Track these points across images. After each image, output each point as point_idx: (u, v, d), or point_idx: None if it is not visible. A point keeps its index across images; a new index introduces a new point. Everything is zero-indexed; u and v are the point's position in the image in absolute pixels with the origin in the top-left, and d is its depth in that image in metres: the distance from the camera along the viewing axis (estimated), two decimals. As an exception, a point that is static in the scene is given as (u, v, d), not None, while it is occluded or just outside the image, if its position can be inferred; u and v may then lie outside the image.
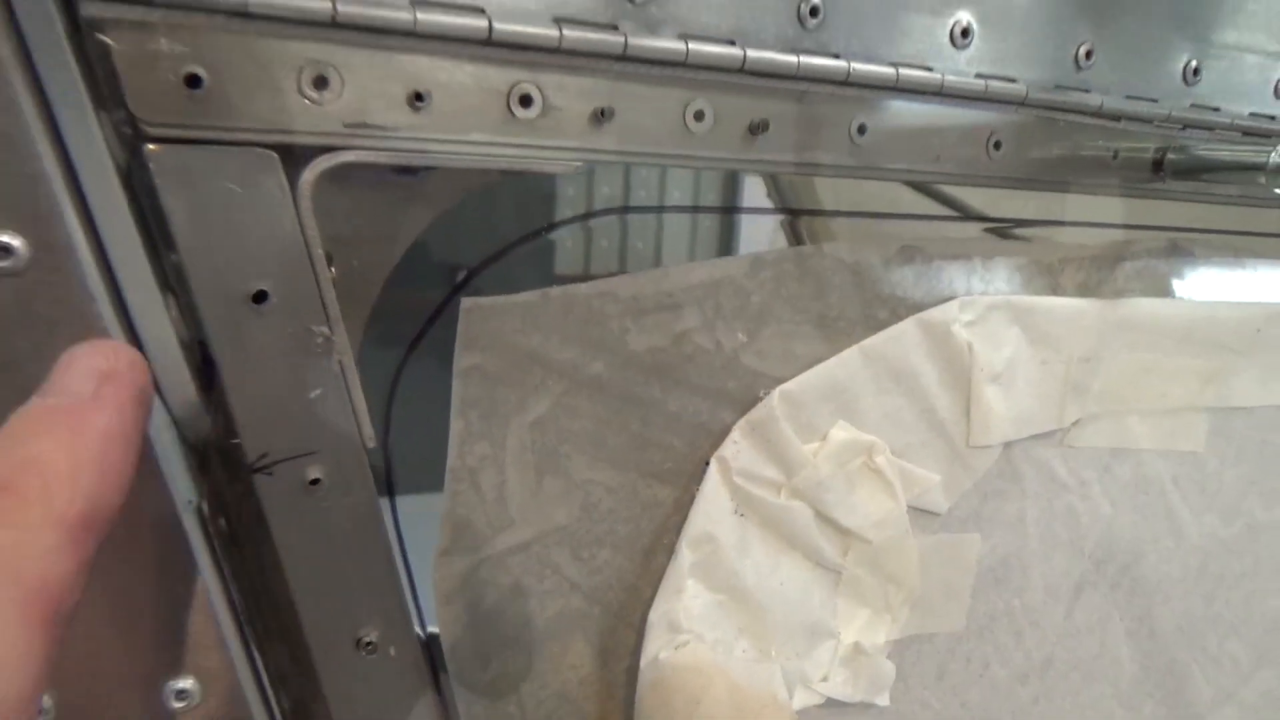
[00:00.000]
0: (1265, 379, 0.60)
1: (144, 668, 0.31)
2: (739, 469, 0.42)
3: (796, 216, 0.65)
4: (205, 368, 0.32)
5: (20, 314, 0.27)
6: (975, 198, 0.60)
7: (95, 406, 0.24)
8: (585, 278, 0.39)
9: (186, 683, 0.32)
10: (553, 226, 0.58)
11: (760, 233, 0.67)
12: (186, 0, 0.28)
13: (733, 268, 0.42)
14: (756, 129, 0.40)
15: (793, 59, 0.39)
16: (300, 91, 0.31)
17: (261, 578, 0.36)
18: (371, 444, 0.35)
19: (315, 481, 0.34)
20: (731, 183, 0.81)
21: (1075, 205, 0.56)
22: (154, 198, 0.29)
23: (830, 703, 0.47)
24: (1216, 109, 0.54)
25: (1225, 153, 0.52)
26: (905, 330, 0.46)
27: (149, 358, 0.30)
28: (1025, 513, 0.53)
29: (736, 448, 0.42)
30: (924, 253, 0.47)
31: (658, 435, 0.42)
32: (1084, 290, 0.53)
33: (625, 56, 0.35)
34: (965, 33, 0.44)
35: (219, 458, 0.34)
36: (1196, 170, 0.53)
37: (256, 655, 0.35)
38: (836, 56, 0.40)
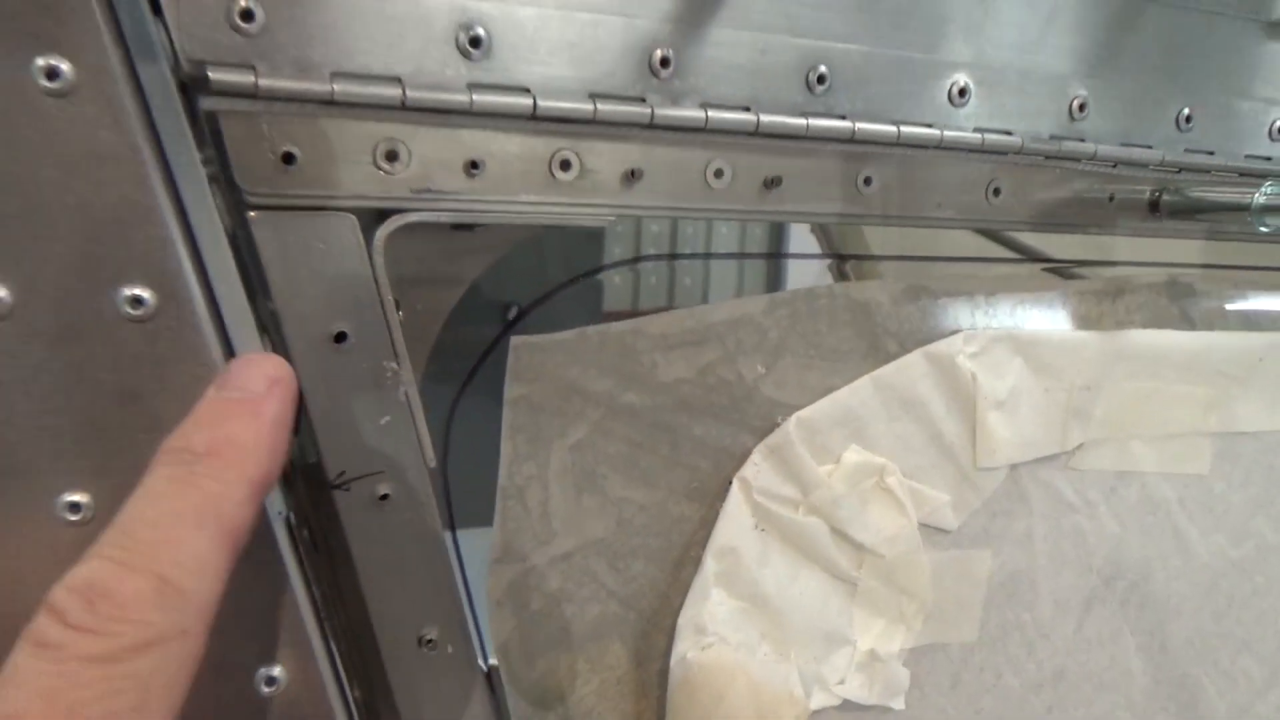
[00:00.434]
0: (1270, 405, 0.63)
1: (239, 656, 0.37)
2: (759, 488, 0.46)
3: (844, 260, 0.71)
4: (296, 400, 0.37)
5: (148, 354, 0.33)
6: (1031, 238, 0.65)
7: (269, 400, 0.31)
8: (634, 314, 0.44)
9: (275, 670, 0.37)
10: (597, 270, 0.63)
11: (808, 276, 0.71)
12: (284, 93, 0.33)
13: (751, 307, 0.46)
14: (770, 184, 0.45)
15: (802, 121, 0.44)
16: (375, 164, 0.36)
17: (338, 581, 0.41)
18: (432, 464, 0.40)
19: (385, 497, 0.39)
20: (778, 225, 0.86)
21: (1126, 245, 0.61)
22: (255, 255, 0.35)
23: (848, 705, 0.51)
24: (1211, 152, 0.58)
25: (1216, 194, 0.56)
26: (913, 361, 0.50)
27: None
28: (1033, 531, 0.57)
29: (757, 469, 0.47)
30: (929, 290, 0.52)
31: (685, 458, 0.46)
32: (1086, 323, 0.57)
33: (652, 125, 0.41)
34: (963, 92, 0.48)
35: (304, 476, 0.39)
36: (1191, 210, 0.57)
37: (334, 649, 0.40)
38: (842, 118, 0.45)
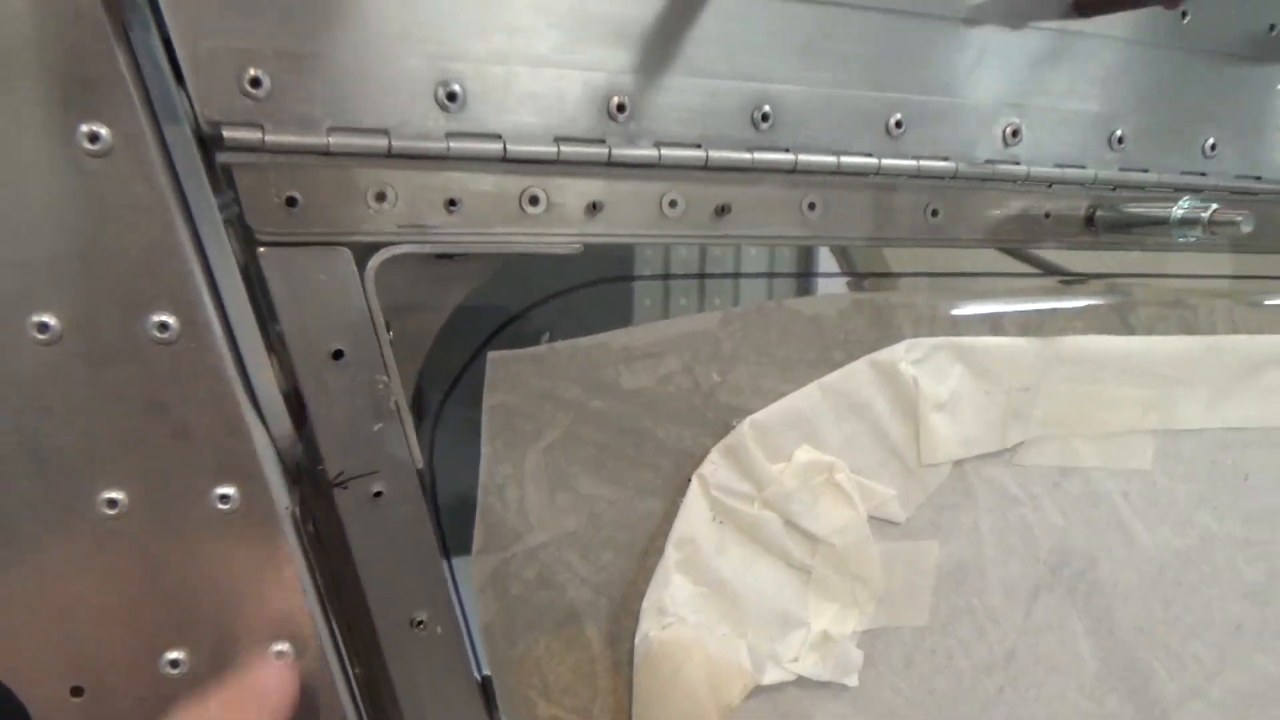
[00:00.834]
0: (1210, 404, 0.68)
1: (254, 629, 0.42)
2: (716, 484, 0.52)
3: (863, 279, 0.76)
4: (298, 409, 0.43)
5: (173, 372, 0.39)
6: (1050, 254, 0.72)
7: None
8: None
9: (284, 645, 0.43)
10: (569, 290, 0.68)
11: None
12: (287, 147, 0.39)
13: (707, 322, 0.52)
14: (721, 211, 0.50)
15: (747, 155, 0.49)
16: (366, 204, 0.42)
17: (339, 570, 0.46)
18: (420, 466, 0.46)
19: (378, 494, 0.45)
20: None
21: (1137, 260, 0.66)
22: (264, 285, 0.41)
23: (806, 683, 0.56)
24: (1145, 170, 0.63)
25: (1143, 209, 0.61)
26: (858, 369, 0.55)
27: (259, 405, 0.41)
28: (979, 523, 0.61)
29: (714, 467, 0.52)
30: (873, 303, 0.57)
31: (649, 458, 0.52)
32: (1025, 330, 0.62)
33: (611, 163, 0.46)
34: (899, 124, 0.54)
35: (308, 476, 0.45)
36: (1123, 225, 0.62)
37: (335, 628, 0.45)
38: (786, 150, 0.50)
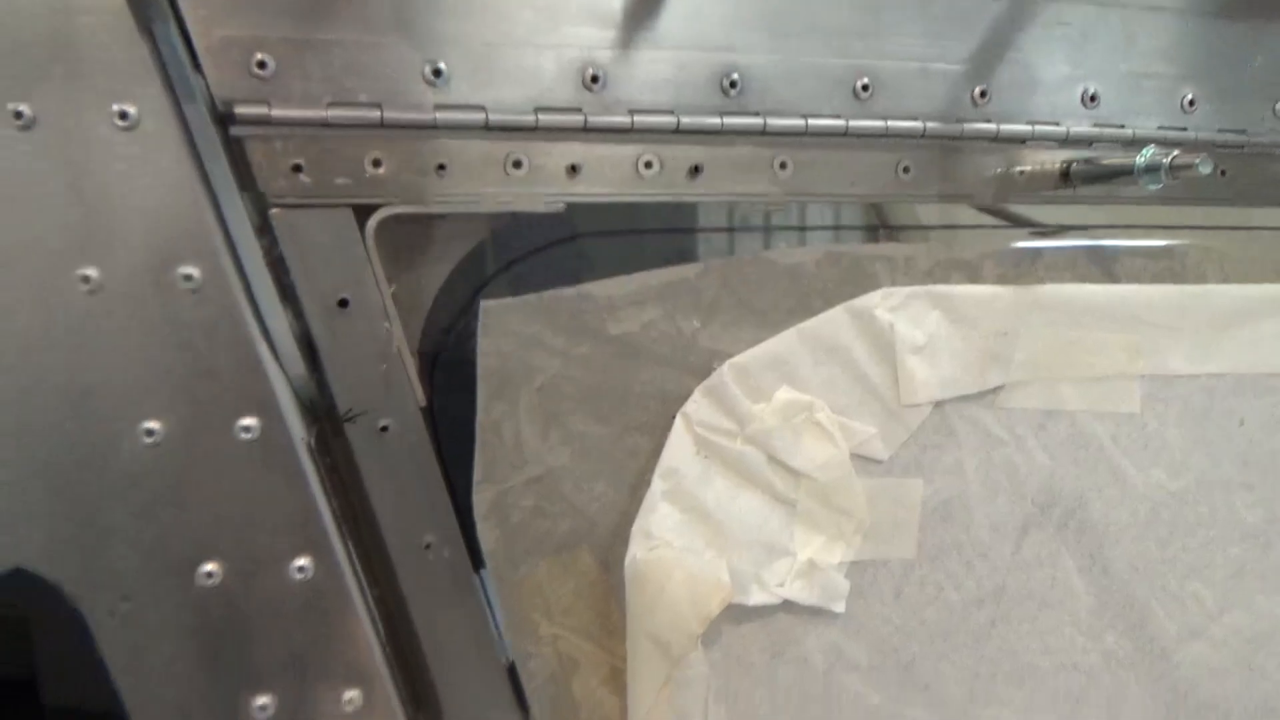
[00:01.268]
0: (1199, 350, 0.69)
1: (278, 547, 0.48)
2: (699, 420, 0.56)
3: (893, 232, 0.80)
4: (311, 352, 0.49)
5: (198, 316, 0.45)
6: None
7: None
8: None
9: (305, 560, 0.49)
10: (538, 250, 0.72)
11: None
12: (291, 120, 0.45)
13: (687, 272, 0.56)
14: (694, 171, 0.55)
15: (717, 120, 0.54)
16: (364, 170, 0.48)
17: (356, 503, 0.52)
18: (423, 404, 0.51)
19: (385, 429, 0.51)
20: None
21: (1121, 212, 0.69)
22: (276, 243, 0.47)
23: (796, 610, 0.60)
24: (1121, 125, 0.65)
25: (1113, 160, 0.63)
26: (835, 315, 0.59)
27: (275, 348, 0.47)
28: (963, 462, 0.65)
29: (697, 405, 0.56)
30: (850, 255, 0.61)
31: (635, 398, 0.56)
32: (1003, 281, 0.65)
33: (587, 129, 0.51)
34: (866, 88, 0.57)
35: (324, 413, 0.51)
36: (1096, 178, 0.65)
37: (352, 550, 0.51)
38: (755, 115, 0.55)
